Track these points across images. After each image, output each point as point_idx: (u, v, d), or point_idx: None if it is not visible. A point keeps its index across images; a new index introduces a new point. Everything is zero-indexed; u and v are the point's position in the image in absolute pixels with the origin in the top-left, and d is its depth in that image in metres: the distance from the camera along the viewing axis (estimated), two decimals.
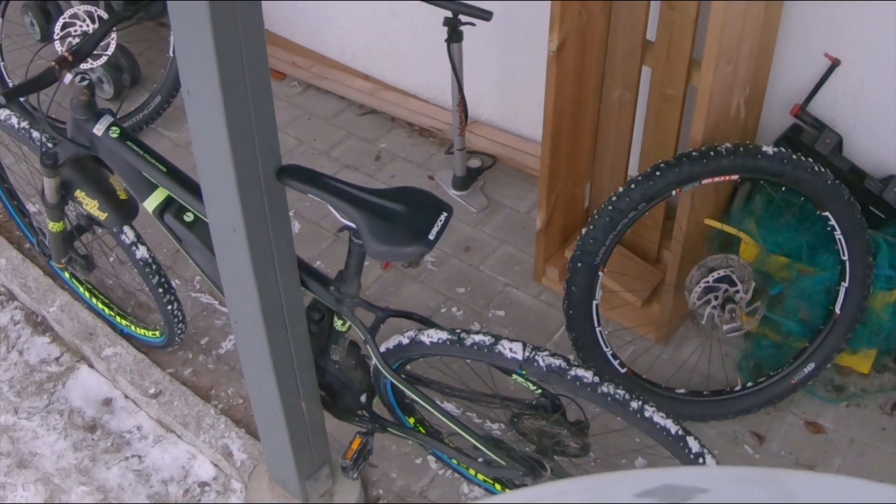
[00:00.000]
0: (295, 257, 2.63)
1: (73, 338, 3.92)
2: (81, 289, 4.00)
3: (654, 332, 3.86)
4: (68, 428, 3.69)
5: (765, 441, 3.60)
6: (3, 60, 4.72)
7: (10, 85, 4.73)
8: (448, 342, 2.79)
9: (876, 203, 3.60)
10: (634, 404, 2.70)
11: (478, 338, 2.75)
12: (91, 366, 3.90)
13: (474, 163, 4.56)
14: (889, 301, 3.58)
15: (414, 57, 4.81)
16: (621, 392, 2.70)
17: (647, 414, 2.71)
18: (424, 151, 4.81)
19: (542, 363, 2.69)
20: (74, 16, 4.27)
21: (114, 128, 2.95)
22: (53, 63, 2.82)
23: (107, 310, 3.96)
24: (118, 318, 3.93)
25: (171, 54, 4.76)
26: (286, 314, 2.68)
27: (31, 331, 4.04)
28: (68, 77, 2.89)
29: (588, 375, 2.69)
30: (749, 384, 3.64)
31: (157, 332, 3.79)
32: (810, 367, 3.58)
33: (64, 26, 4.31)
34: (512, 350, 2.71)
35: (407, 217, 2.51)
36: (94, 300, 3.98)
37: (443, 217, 2.54)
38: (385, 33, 4.86)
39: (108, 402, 3.78)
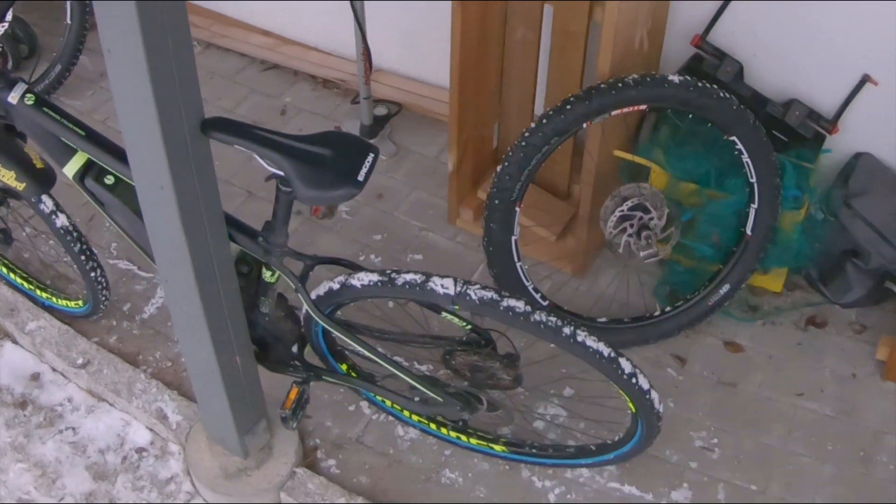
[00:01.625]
0: (222, 212, 2.65)
1: None
2: None
3: (570, 264, 3.94)
4: None
5: (686, 363, 3.72)
6: None
7: None
8: (379, 283, 2.83)
9: (779, 127, 3.71)
10: (567, 330, 2.78)
11: (409, 276, 2.80)
12: (15, 342, 3.86)
13: (380, 111, 4.59)
14: (797, 220, 3.69)
15: (312, 10, 4.81)
16: (553, 319, 2.77)
17: (579, 338, 2.79)
18: (329, 103, 4.83)
19: (474, 296, 2.75)
20: None
21: (28, 95, 2.92)
22: None
23: (26, 284, 3.92)
24: (38, 292, 3.90)
25: (68, 21, 4.69)
26: (216, 269, 2.68)
27: None
28: None
29: (520, 305, 2.76)
30: (667, 309, 3.74)
31: (80, 302, 3.77)
32: (725, 288, 3.68)
33: None
34: (444, 286, 2.77)
35: (334, 161, 2.54)
36: (11, 275, 3.94)
37: (370, 158, 2.57)
38: None
39: (35, 377, 3.75)
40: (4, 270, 3.95)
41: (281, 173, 2.53)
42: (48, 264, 4.06)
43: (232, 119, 2.55)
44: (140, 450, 3.54)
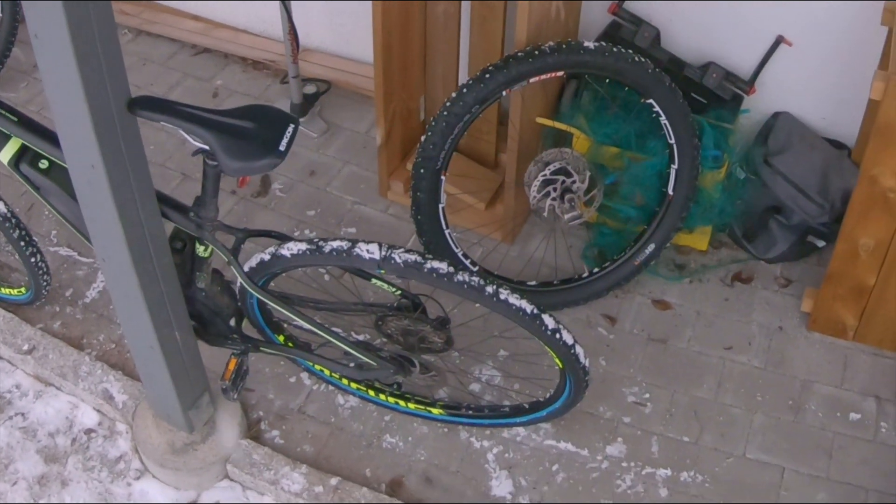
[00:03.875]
0: (153, 188, 2.71)
1: None
2: None
3: (499, 231, 4.04)
4: None
5: (617, 322, 3.82)
6: None
7: None
8: (308, 252, 2.91)
9: (697, 90, 3.82)
10: (490, 289, 2.88)
11: (335, 244, 2.88)
12: None
13: (310, 89, 4.63)
14: (718, 179, 3.80)
15: None
16: (476, 279, 2.87)
17: (502, 297, 2.89)
18: (260, 84, 4.89)
19: (398, 260, 2.85)
20: None
21: None
22: None
23: None
24: None
25: None
26: (151, 246, 2.75)
27: None
28: None
29: (443, 267, 2.86)
30: (595, 270, 3.84)
31: (23, 289, 3.81)
32: (651, 247, 3.79)
33: None
34: (369, 251, 2.85)
35: (257, 132, 2.62)
36: None
37: (290, 128, 2.66)
38: None
39: None
40: None
41: (206, 147, 2.61)
42: None
43: (157, 97, 2.62)
44: (89, 431, 3.59)
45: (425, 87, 4.18)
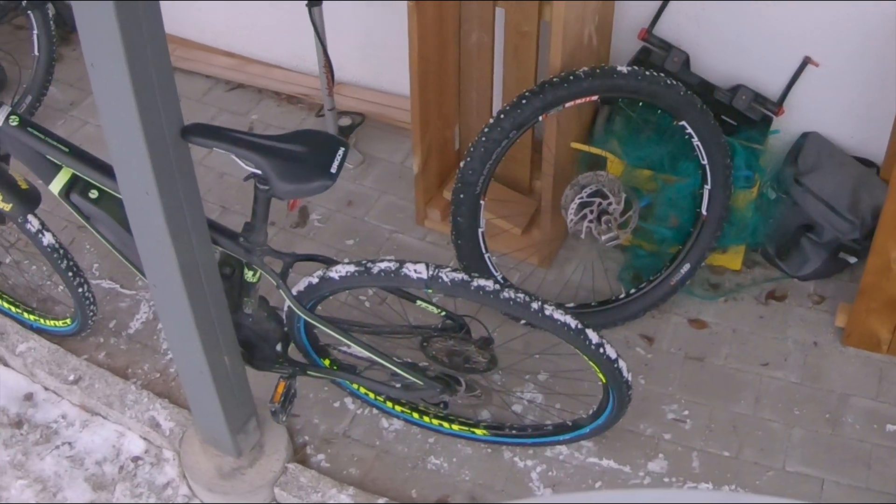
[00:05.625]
0: (204, 214, 2.78)
1: None
2: None
3: (536, 256, 4.09)
4: None
5: (654, 342, 3.86)
6: None
7: None
8: (356, 273, 2.97)
9: (727, 112, 3.86)
10: (535, 305, 2.94)
11: (383, 265, 2.95)
12: (7, 364, 3.93)
13: (345, 122, 4.68)
14: (750, 199, 3.84)
15: (273, 28, 4.92)
16: (521, 295, 2.93)
17: (547, 312, 2.95)
18: (295, 117, 4.94)
19: (446, 279, 2.91)
20: None
21: (13, 116, 3.04)
22: None
23: (13, 308, 3.99)
24: (26, 315, 3.97)
25: (36, 53, 4.76)
26: (202, 271, 2.81)
27: None
28: None
29: (489, 284, 2.92)
30: (632, 291, 3.88)
31: (68, 321, 3.85)
32: (686, 267, 3.83)
33: None
34: (417, 271, 2.92)
35: (308, 156, 2.70)
36: None
37: (341, 152, 2.74)
38: (243, 9, 4.95)
39: (29, 397, 3.84)
40: None
41: (258, 172, 2.68)
42: (34, 288, 4.15)
43: (209, 124, 2.69)
44: (136, 458, 3.63)
45: (460, 116, 4.24)
